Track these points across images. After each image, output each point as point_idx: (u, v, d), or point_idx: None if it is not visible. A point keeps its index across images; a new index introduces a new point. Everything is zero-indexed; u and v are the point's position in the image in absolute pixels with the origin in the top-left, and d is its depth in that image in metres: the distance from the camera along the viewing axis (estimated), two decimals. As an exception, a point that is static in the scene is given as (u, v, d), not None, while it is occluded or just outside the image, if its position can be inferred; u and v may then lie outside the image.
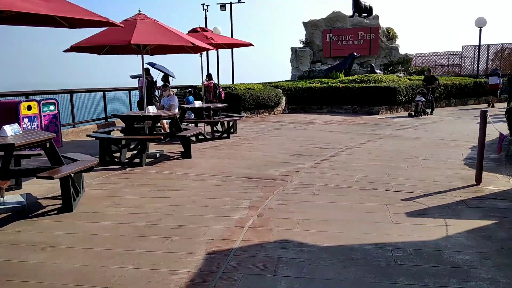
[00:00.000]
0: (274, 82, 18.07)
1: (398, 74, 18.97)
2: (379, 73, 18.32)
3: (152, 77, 12.64)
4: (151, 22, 7.06)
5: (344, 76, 18.42)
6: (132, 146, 7.43)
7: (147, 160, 7.21)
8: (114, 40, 6.49)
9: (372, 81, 16.66)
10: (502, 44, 22.08)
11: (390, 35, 20.40)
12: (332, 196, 5.02)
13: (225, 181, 5.82)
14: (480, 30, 19.18)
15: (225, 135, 9.88)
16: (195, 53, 8.47)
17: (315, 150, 8.13)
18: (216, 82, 12.85)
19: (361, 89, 15.86)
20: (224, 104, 10.58)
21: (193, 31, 9.65)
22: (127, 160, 6.92)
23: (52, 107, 8.87)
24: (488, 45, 22.13)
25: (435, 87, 14.94)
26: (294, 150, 8.17)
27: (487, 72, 22.59)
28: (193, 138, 9.59)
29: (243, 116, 10.94)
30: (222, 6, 18.62)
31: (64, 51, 7.24)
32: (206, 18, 18.21)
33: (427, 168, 6.46)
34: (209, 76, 12.69)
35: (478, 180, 5.42)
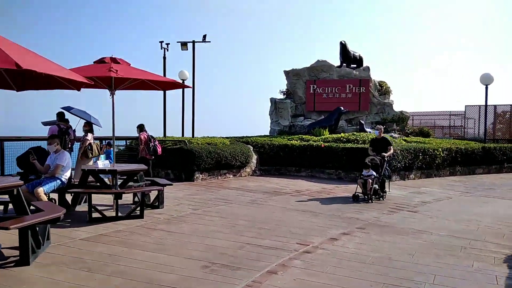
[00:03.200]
0: (246, 137, 15.21)
1: (392, 134, 16.22)
2: (370, 132, 15.53)
3: (68, 125, 9.73)
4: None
5: (329, 134, 15.63)
6: None
7: None
8: None
9: (360, 141, 13.81)
10: (511, 105, 19.62)
11: (383, 90, 17.91)
12: None
13: None
14: (486, 88, 16.73)
15: (137, 213, 6.76)
16: (77, 89, 5.58)
17: (251, 255, 4.96)
18: (151, 134, 9.93)
19: (347, 150, 12.96)
20: (143, 167, 7.53)
21: (99, 61, 6.86)
22: None
23: None
24: (495, 106, 19.64)
25: (390, 156, 9.75)
26: (219, 253, 5.00)
27: (494, 136, 19.93)
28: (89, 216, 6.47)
29: (171, 184, 7.88)
30: (183, 44, 16.06)
31: None
32: (165, 58, 15.68)
33: (441, 325, 3.28)
34: (140, 127, 9.88)
35: None
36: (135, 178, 7.74)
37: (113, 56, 6.97)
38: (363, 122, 16.24)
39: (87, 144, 9.73)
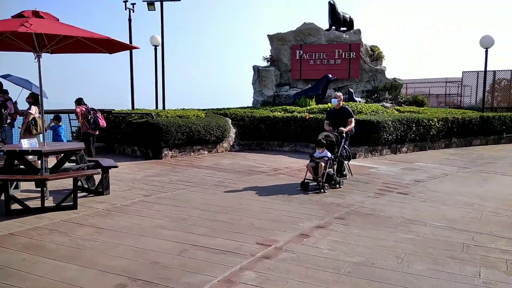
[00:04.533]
0: (224, 109, 13.90)
1: (384, 103, 14.99)
2: (359, 102, 14.28)
3: (6, 97, 8.37)
4: None
5: (316, 104, 14.36)
6: None
7: None
8: None
9: (349, 112, 12.55)
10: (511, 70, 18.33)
11: (375, 55, 16.52)
12: None
13: None
14: (486, 52, 15.38)
15: (70, 203, 5.54)
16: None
17: (191, 264, 3.79)
18: (92, 107, 8.85)
19: (333, 122, 11.71)
20: (78, 146, 6.24)
21: (17, 16, 5.46)
22: None
23: None
24: (494, 71, 18.34)
25: (351, 131, 7.72)
26: (150, 261, 3.83)
27: (492, 105, 18.75)
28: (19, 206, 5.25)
29: (116, 166, 6.63)
30: (150, 4, 14.28)
31: None
32: (130, 20, 14.00)
33: None
34: (78, 101, 8.84)
35: None
36: (75, 159, 6.50)
37: (37, 10, 5.55)
38: (352, 90, 14.95)
39: (30, 118, 8.42)
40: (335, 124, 7.64)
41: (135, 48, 6.36)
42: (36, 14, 5.49)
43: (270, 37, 16.72)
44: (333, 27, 16.16)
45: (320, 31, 16.23)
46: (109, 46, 6.44)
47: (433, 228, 4.99)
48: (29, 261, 3.78)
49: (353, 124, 7.67)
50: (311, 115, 12.51)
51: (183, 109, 13.29)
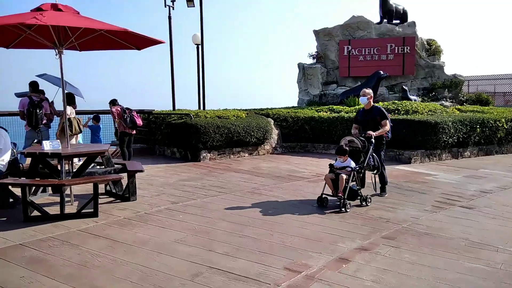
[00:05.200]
0: (266, 109, 13.28)
1: (443, 102, 13.64)
2: (415, 100, 13.06)
3: (42, 97, 8.30)
4: None
5: (366, 103, 13.32)
6: None
7: None
8: None
9: (402, 112, 11.47)
10: None
11: (432, 49, 15.10)
12: None
13: None
14: None
15: (91, 210, 5.18)
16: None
17: (204, 292, 3.20)
18: (124, 106, 8.76)
19: (385, 122, 10.68)
20: (103, 148, 5.86)
21: (36, 10, 5.19)
22: None
23: None
24: None
25: (386, 136, 6.39)
26: (156, 286, 3.29)
27: None
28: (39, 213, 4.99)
29: (142, 171, 6.18)
30: (189, 0, 13.92)
31: None
32: (170, 18, 13.68)
33: None
34: (113, 102, 8.80)
35: None
36: (102, 161, 6.19)
37: (56, 3, 5.26)
38: (406, 88, 13.71)
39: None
40: (366, 126, 6.32)
41: (161, 42, 5.91)
42: (54, 7, 5.20)
43: (316, 32, 15.85)
44: (385, 20, 15.00)
45: (370, 25, 15.12)
46: (137, 41, 6.05)
47: (506, 255, 4.03)
48: (27, 280, 3.39)
49: (387, 127, 6.27)
50: (360, 115, 11.55)
51: (225, 109, 12.85)
